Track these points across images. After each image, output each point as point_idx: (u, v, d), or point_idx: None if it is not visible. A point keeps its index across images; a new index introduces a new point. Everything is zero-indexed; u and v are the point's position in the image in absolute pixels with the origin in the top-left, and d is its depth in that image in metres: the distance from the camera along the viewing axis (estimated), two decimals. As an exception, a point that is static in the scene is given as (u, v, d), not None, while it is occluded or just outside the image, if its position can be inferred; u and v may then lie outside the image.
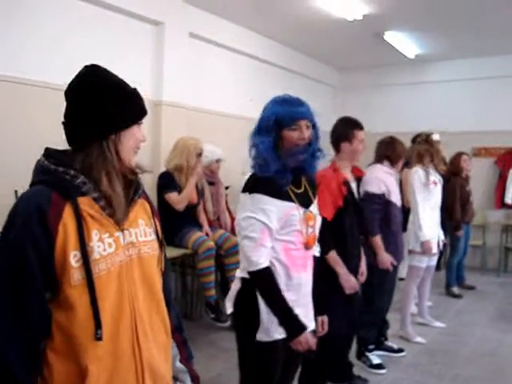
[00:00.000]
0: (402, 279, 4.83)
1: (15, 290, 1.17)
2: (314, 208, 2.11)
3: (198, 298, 4.82)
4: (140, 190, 1.39)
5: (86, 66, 1.32)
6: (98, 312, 1.20)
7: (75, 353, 1.20)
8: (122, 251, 1.28)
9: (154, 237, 1.40)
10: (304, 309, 2.09)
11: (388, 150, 3.74)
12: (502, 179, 6.99)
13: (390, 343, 3.98)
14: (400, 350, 3.94)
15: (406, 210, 4.24)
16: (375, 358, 3.69)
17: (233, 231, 4.54)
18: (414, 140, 5.22)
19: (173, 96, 5.27)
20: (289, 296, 2.01)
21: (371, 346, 3.73)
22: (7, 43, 3.79)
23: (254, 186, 1.97)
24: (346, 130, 3.02)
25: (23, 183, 1.28)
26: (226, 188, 5.21)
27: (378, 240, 3.46)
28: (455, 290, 5.78)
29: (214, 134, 5.48)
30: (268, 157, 1.95)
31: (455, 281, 5.85)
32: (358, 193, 3.14)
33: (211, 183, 4.84)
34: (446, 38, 6.55)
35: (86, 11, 4.39)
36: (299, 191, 2.06)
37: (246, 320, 2.04)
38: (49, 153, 1.30)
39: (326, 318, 2.30)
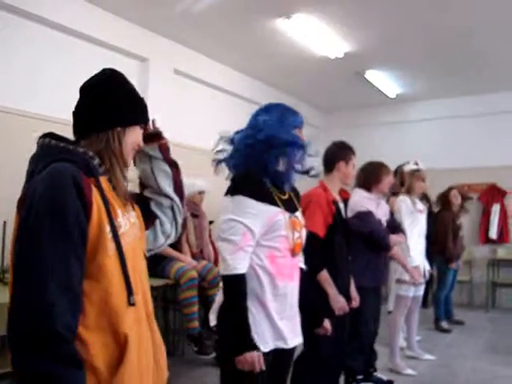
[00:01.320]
0: (390, 312, 4.75)
1: (65, 262, 1.16)
2: (299, 215, 2.07)
3: (180, 333, 4.67)
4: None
5: (104, 69, 1.43)
6: (129, 280, 1.26)
7: (111, 323, 1.22)
8: (132, 229, 1.36)
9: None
10: (290, 322, 2.00)
11: (362, 175, 3.74)
12: (486, 215, 7.04)
13: (379, 375, 3.84)
14: (390, 382, 3.80)
15: None
16: (364, 389, 3.56)
17: (216, 263, 4.46)
18: (396, 172, 5.27)
19: (157, 130, 5.29)
20: (275, 307, 1.93)
21: (359, 377, 3.60)
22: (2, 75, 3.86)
23: (237, 188, 1.92)
24: (343, 151, 3.05)
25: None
26: (210, 223, 5.14)
27: (396, 251, 3.68)
28: (444, 324, 5.67)
29: (198, 170, 5.43)
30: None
31: (444, 315, 5.75)
32: (345, 214, 3.12)
33: (194, 215, 4.78)
34: (425, 77, 6.74)
35: (73, 45, 4.47)
36: (284, 197, 2.02)
37: (229, 332, 1.92)
38: (56, 136, 1.33)
39: (328, 322, 2.25)
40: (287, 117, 2.00)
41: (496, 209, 6.94)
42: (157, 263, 4.02)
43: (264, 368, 1.82)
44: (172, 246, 4.19)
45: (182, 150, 5.58)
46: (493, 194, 7.03)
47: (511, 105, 6.99)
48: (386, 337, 4.28)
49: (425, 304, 6.37)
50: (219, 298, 2.01)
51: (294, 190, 2.14)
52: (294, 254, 1.98)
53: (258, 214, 1.87)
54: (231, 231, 1.86)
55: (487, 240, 7.00)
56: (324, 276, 2.80)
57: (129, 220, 1.35)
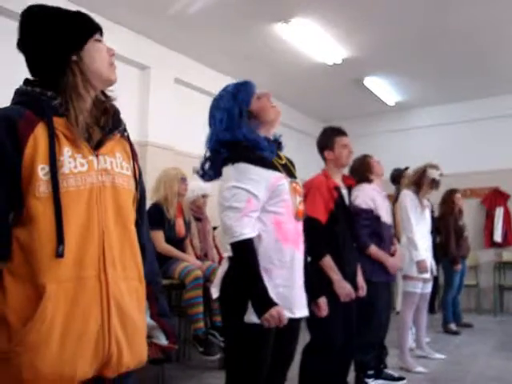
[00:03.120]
0: (398, 313, 4.69)
1: None
2: (298, 181, 2.06)
3: (186, 339, 4.60)
4: (121, 127, 1.37)
5: (22, 11, 1.30)
6: (61, 227, 1.14)
7: (34, 272, 1.12)
8: (94, 174, 1.23)
9: (130, 173, 1.36)
10: (299, 291, 1.97)
11: (362, 167, 3.75)
12: (490, 218, 7.01)
13: (389, 371, 3.76)
14: (401, 378, 3.71)
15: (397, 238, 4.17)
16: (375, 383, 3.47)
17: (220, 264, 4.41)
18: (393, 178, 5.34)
19: (158, 137, 5.31)
20: (282, 275, 1.89)
21: (370, 372, 3.52)
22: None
23: (237, 155, 1.90)
24: (326, 138, 3.05)
25: None
26: (214, 228, 5.11)
27: (373, 249, 3.38)
28: (452, 326, 5.59)
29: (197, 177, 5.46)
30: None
31: (452, 318, 5.66)
32: (349, 200, 3.09)
33: (198, 219, 4.75)
34: (424, 83, 6.79)
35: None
36: (282, 162, 2.01)
37: (233, 302, 1.88)
38: (27, 80, 1.29)
39: (324, 300, 2.18)
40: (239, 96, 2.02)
41: (499, 212, 6.91)
42: (161, 264, 3.96)
43: (286, 322, 1.79)
44: (177, 246, 4.16)
45: (184, 156, 5.61)
46: (496, 197, 7.02)
47: (509, 109, 7.02)
48: (394, 340, 4.20)
49: (432, 309, 6.30)
50: (221, 270, 1.98)
51: (289, 160, 2.12)
52: (297, 218, 1.97)
53: (261, 180, 1.86)
54: (234, 198, 1.84)
55: (492, 244, 6.96)
56: (327, 262, 2.76)
57: (89, 164, 1.22)
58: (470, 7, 4.73)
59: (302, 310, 1.98)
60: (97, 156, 1.25)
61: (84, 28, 1.29)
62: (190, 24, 4.97)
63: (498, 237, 6.84)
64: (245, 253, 1.83)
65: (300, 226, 2.01)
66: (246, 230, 1.81)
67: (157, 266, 1.55)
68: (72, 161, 1.19)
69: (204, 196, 4.75)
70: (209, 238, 4.78)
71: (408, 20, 5.03)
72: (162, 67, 5.44)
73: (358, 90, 6.81)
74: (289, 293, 1.91)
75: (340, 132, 3.04)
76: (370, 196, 3.56)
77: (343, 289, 2.76)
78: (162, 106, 5.40)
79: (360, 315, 3.28)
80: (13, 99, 1.26)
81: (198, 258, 4.43)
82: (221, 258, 4.59)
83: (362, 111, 7.83)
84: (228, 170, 1.90)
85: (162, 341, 1.45)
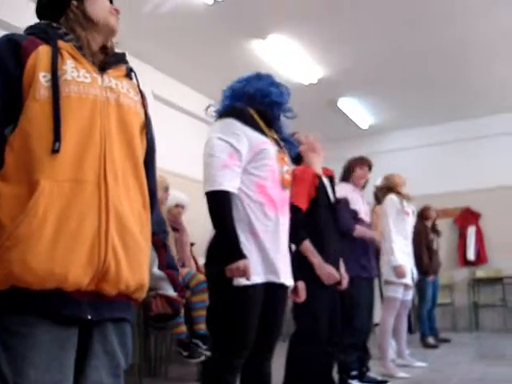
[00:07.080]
0: (376, 325, 4.64)
1: None
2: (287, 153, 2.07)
3: (162, 354, 4.44)
4: (127, 64, 1.38)
5: None
6: (58, 124, 1.11)
7: (29, 172, 1.09)
8: (99, 89, 1.22)
9: (138, 99, 1.34)
10: (283, 258, 1.95)
11: (344, 170, 3.85)
12: (462, 237, 7.14)
13: (372, 374, 3.70)
14: (384, 382, 3.66)
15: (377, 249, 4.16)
16: (359, 384, 3.40)
17: (199, 270, 4.34)
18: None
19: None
20: (268, 238, 1.87)
21: (354, 373, 3.45)
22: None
23: (226, 112, 1.95)
24: None
25: None
26: (192, 244, 5.03)
27: (359, 229, 3.54)
28: (431, 340, 5.57)
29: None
30: None
31: (429, 331, 5.64)
32: (332, 189, 3.10)
33: (174, 229, 4.68)
34: (397, 105, 6.99)
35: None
36: (274, 136, 2.03)
37: (221, 265, 1.82)
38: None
39: (302, 284, 2.15)
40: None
41: (471, 231, 7.04)
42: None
43: (250, 279, 1.77)
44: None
45: (163, 174, 5.55)
46: (467, 217, 7.17)
47: (479, 131, 7.28)
48: (375, 353, 4.12)
49: (410, 329, 6.26)
50: (210, 234, 1.95)
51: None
52: (283, 186, 1.97)
53: (245, 137, 1.88)
54: (218, 148, 1.85)
55: (466, 262, 7.05)
56: (306, 246, 2.72)
57: (93, 79, 1.21)
58: (445, 28, 4.96)
59: (288, 278, 1.96)
60: (102, 75, 1.25)
61: None
62: (165, 39, 5.05)
63: (471, 255, 6.95)
64: (219, 203, 1.83)
65: (286, 194, 2.02)
66: (226, 182, 1.82)
67: (163, 215, 1.50)
68: (75, 71, 1.19)
69: (178, 205, 4.69)
70: (186, 249, 4.69)
71: (383, 41, 5.22)
72: (140, 80, 5.46)
73: (331, 112, 6.95)
74: (275, 258, 1.89)
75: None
76: (347, 193, 3.61)
77: (324, 270, 2.71)
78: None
79: (342, 315, 3.24)
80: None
81: (175, 266, 4.34)
82: (198, 268, 4.51)
83: (336, 135, 7.95)
84: (216, 124, 1.96)
85: (170, 292, 1.39)
